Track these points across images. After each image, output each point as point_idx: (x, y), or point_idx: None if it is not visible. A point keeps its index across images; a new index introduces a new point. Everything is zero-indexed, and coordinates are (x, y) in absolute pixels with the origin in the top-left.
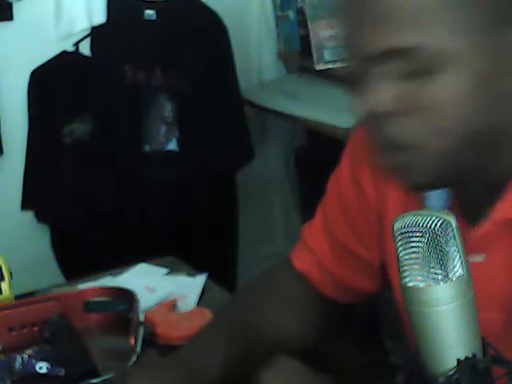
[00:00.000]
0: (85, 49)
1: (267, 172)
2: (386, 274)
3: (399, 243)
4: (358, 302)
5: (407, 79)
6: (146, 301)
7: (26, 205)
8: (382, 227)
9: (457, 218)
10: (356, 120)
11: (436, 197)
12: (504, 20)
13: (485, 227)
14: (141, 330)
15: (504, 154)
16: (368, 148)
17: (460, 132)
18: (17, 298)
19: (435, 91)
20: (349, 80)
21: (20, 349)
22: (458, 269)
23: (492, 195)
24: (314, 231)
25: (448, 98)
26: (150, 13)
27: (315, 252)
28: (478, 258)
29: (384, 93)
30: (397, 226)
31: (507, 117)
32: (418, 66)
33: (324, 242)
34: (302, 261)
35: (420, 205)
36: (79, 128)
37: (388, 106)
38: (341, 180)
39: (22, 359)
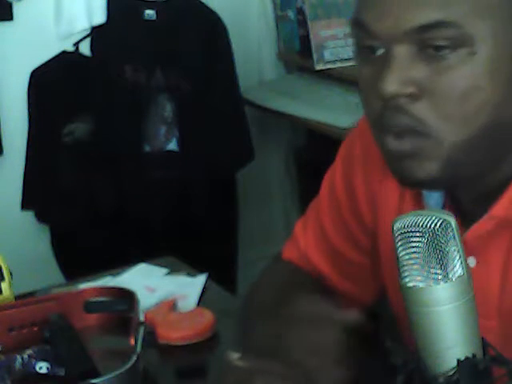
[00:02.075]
0: (85, 49)
1: (267, 172)
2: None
3: (399, 243)
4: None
5: (431, 63)
6: (145, 301)
7: (25, 205)
8: (375, 230)
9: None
10: (372, 106)
11: (433, 199)
12: None
13: (479, 228)
14: (141, 330)
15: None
16: (377, 134)
17: (480, 122)
18: (17, 298)
19: (456, 78)
20: (370, 64)
21: (20, 349)
22: (457, 269)
23: (488, 197)
24: (308, 236)
25: (470, 86)
26: (150, 13)
27: (312, 263)
28: (471, 263)
29: (408, 75)
30: (397, 226)
31: None
32: (443, 43)
33: (320, 251)
34: (297, 263)
35: (417, 205)
36: (79, 128)
37: (411, 88)
38: (334, 180)
39: (22, 359)
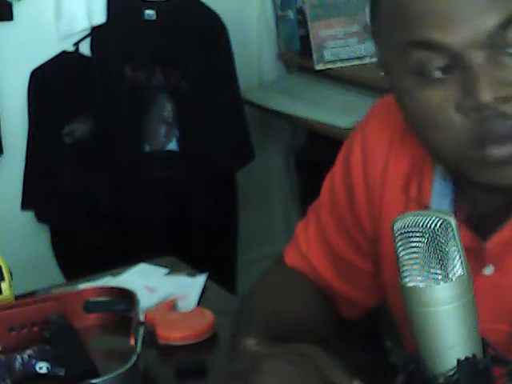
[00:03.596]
0: (85, 49)
1: (267, 172)
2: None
3: (399, 243)
4: (357, 316)
5: None
6: (145, 301)
7: (26, 205)
8: (376, 233)
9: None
10: (457, 126)
11: (441, 206)
12: None
13: (502, 236)
14: (141, 330)
15: None
16: (472, 148)
17: None
18: (17, 298)
19: None
20: (441, 85)
21: (20, 349)
22: (457, 269)
23: (508, 208)
24: (310, 239)
25: None
26: (150, 13)
27: (314, 266)
28: (488, 271)
29: (497, 78)
30: (397, 226)
31: None
32: None
33: (322, 255)
34: (298, 266)
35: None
36: (79, 128)
37: (505, 90)
38: (334, 183)
39: (22, 359)
